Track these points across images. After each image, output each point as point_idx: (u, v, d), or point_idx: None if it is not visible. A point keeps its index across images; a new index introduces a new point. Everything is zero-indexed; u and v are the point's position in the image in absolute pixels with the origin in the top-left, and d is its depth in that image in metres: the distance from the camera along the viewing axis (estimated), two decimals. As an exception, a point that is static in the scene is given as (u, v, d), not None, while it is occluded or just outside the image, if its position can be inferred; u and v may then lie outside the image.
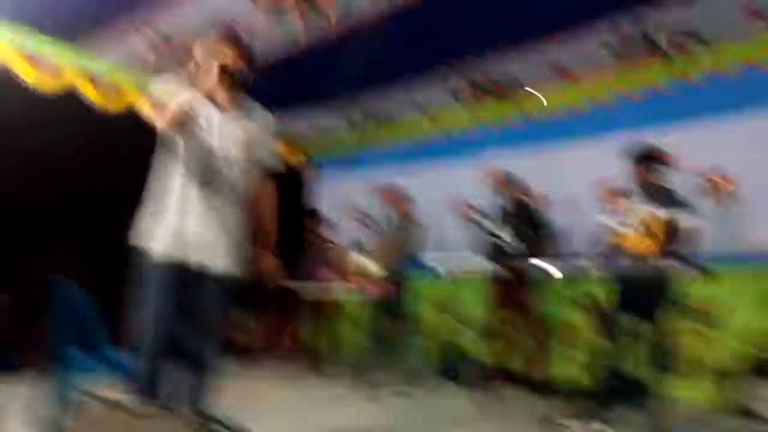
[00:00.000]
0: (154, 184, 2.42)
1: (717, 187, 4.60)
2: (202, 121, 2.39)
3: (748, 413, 3.88)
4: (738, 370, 4.15)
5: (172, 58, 5.10)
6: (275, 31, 4.66)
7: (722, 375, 4.29)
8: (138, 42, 4.96)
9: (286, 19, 4.52)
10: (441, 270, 4.73)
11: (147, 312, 2.23)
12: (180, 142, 2.36)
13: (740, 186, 4.49)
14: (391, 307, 5.46)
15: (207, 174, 2.35)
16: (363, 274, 4.84)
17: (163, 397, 2.14)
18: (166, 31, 4.83)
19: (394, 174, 6.64)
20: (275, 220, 2.61)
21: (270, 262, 2.53)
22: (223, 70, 2.38)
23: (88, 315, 2.51)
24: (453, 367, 4.56)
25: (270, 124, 2.61)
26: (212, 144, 2.38)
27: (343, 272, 5.09)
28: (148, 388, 2.14)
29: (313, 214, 6.23)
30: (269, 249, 2.54)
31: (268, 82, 5.21)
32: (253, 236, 2.52)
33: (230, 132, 2.44)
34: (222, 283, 2.37)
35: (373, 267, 4.78)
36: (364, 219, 6.89)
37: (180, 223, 2.31)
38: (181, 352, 2.34)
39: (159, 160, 2.43)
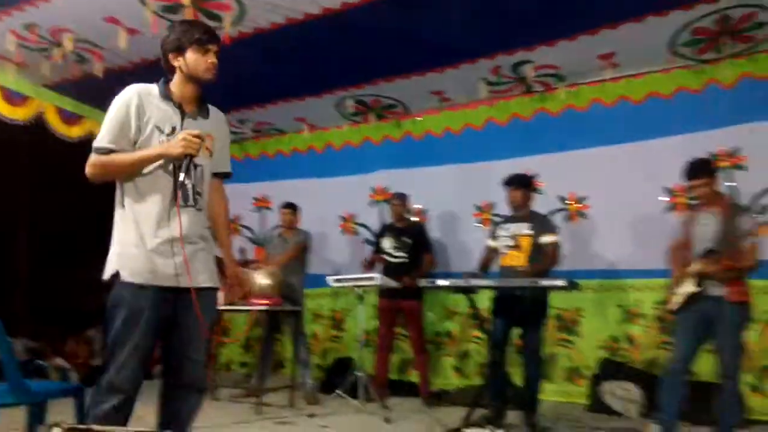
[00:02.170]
0: (117, 205, 2.21)
1: (572, 209, 5.24)
2: (158, 120, 2.17)
3: (607, 409, 4.46)
4: (596, 372, 4.76)
5: (38, 48, 4.69)
6: (162, 30, 4.45)
7: (584, 377, 4.90)
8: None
9: (176, 18, 4.34)
10: (329, 283, 4.82)
11: (121, 342, 2.07)
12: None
13: (591, 208, 5.17)
14: (281, 322, 5.43)
15: (181, 184, 2.15)
16: (252, 289, 4.75)
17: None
18: (31, 20, 4.42)
19: (274, 187, 6.65)
20: (229, 229, 2.50)
21: (235, 270, 2.40)
22: (208, 82, 2.20)
23: (2, 345, 2.26)
24: (345, 381, 4.65)
25: (227, 126, 2.46)
26: None
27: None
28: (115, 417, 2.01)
29: None
30: (233, 257, 2.43)
31: (147, 82, 5.01)
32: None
33: None
34: (204, 298, 2.21)
35: (261, 281, 4.71)
36: (246, 232, 6.79)
37: (149, 245, 2.13)
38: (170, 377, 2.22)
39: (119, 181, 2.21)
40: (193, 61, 2.18)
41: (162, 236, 2.13)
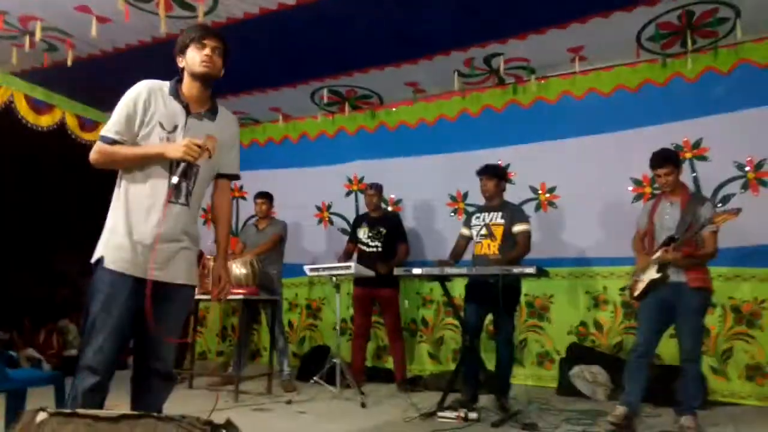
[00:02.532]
0: (116, 188, 2.29)
1: (543, 199, 5.36)
2: (162, 117, 2.25)
3: (575, 392, 4.61)
4: (565, 356, 4.91)
5: (7, 36, 4.62)
6: (134, 18, 4.42)
7: (554, 361, 5.05)
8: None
9: (148, 7, 4.31)
10: (306, 272, 4.88)
11: (98, 327, 2.13)
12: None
13: (561, 198, 5.30)
14: (258, 310, 5.46)
15: (169, 185, 2.23)
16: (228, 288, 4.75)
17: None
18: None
19: (248, 177, 6.62)
20: (229, 228, 2.57)
21: (224, 272, 2.44)
22: (205, 76, 2.28)
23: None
24: (322, 368, 4.72)
25: (236, 129, 2.52)
26: None
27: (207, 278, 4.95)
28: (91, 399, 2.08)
29: None
30: (224, 258, 2.48)
31: (116, 70, 4.98)
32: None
33: (197, 135, 2.26)
34: (180, 295, 2.30)
35: (237, 271, 4.73)
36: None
37: (140, 233, 2.20)
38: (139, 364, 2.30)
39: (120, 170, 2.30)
40: (191, 57, 2.29)
41: (148, 229, 2.20)
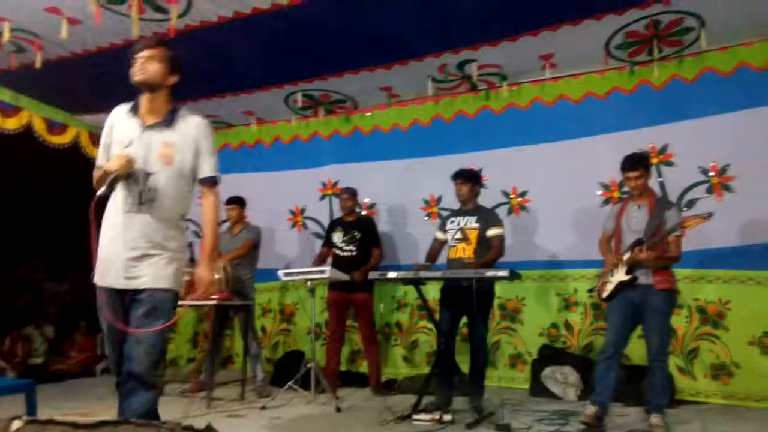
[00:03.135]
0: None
1: (514, 203, 5.44)
2: (121, 136, 2.43)
3: (546, 393, 4.68)
4: (536, 358, 4.98)
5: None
6: (106, 20, 4.35)
7: (526, 363, 5.11)
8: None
9: (121, 9, 4.25)
10: (280, 277, 4.86)
11: (104, 335, 2.43)
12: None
13: (532, 202, 5.38)
14: (231, 316, 5.41)
15: (129, 192, 2.38)
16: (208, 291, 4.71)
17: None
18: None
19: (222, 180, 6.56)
20: (214, 231, 2.60)
21: (204, 273, 2.49)
22: (141, 83, 2.43)
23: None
24: (297, 373, 4.69)
25: (202, 132, 2.56)
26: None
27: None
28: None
29: None
30: (205, 260, 2.53)
31: (86, 72, 4.89)
32: None
33: (152, 144, 2.42)
34: (153, 299, 2.35)
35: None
36: (193, 227, 6.70)
37: (107, 247, 2.38)
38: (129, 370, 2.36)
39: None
40: (131, 73, 2.46)
41: (112, 241, 2.37)
